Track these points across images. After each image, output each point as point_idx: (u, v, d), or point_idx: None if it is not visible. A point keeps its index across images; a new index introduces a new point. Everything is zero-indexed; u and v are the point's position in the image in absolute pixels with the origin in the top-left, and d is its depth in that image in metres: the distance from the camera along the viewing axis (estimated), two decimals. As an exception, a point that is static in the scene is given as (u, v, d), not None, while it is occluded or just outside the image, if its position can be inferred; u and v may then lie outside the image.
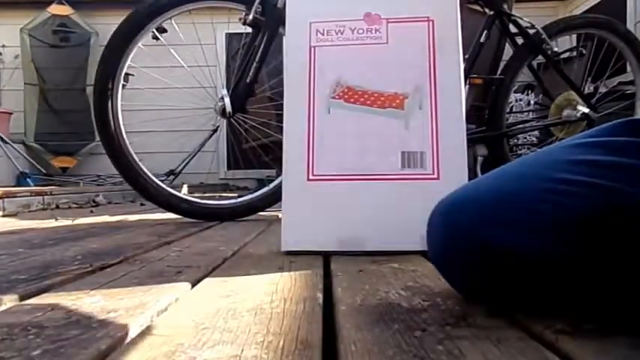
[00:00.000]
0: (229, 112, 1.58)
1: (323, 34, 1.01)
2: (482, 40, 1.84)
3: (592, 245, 0.49)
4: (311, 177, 0.95)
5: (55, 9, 4.84)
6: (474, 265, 0.53)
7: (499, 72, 2.04)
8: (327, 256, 0.91)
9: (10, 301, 0.61)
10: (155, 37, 2.22)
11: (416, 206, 0.83)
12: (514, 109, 3.53)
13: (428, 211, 0.59)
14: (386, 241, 0.91)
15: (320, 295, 0.62)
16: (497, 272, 0.52)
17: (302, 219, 0.94)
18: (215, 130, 3.99)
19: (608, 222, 0.48)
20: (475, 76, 1.89)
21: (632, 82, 2.28)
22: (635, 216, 0.47)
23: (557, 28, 1.98)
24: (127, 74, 1.58)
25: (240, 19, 1.62)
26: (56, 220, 1.85)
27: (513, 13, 1.99)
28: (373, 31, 1.00)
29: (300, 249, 0.92)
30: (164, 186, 1.62)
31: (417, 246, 0.83)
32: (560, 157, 0.54)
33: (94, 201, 2.94)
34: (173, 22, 1.60)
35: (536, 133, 3.21)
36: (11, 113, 4.37)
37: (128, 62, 1.53)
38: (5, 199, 2.32)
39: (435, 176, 0.93)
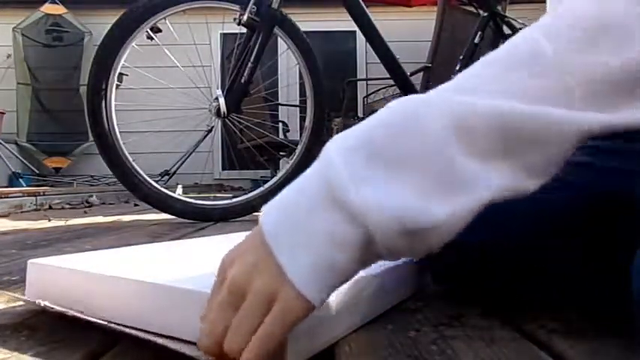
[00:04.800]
0: (224, 113, 1.58)
1: None
2: (476, 41, 1.85)
3: (569, 239, 0.50)
4: None
5: (48, 8, 4.81)
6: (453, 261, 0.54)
7: (493, 73, 2.05)
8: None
9: (1, 302, 0.60)
10: (149, 37, 2.22)
11: None
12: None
13: None
14: None
15: (314, 296, 0.61)
16: (477, 268, 0.53)
17: None
18: (210, 131, 3.97)
19: (583, 216, 0.50)
20: (469, 77, 1.89)
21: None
22: (607, 211, 0.48)
23: (551, 30, 1.99)
24: (120, 74, 1.57)
25: (234, 20, 1.62)
26: (49, 220, 1.84)
27: (507, 14, 2.00)
28: None
29: None
30: (158, 186, 1.62)
31: None
32: None
33: (87, 201, 2.92)
34: (167, 21, 1.59)
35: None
36: (3, 113, 4.34)
37: (122, 62, 1.52)
38: (-3, 200, 2.30)
39: None
